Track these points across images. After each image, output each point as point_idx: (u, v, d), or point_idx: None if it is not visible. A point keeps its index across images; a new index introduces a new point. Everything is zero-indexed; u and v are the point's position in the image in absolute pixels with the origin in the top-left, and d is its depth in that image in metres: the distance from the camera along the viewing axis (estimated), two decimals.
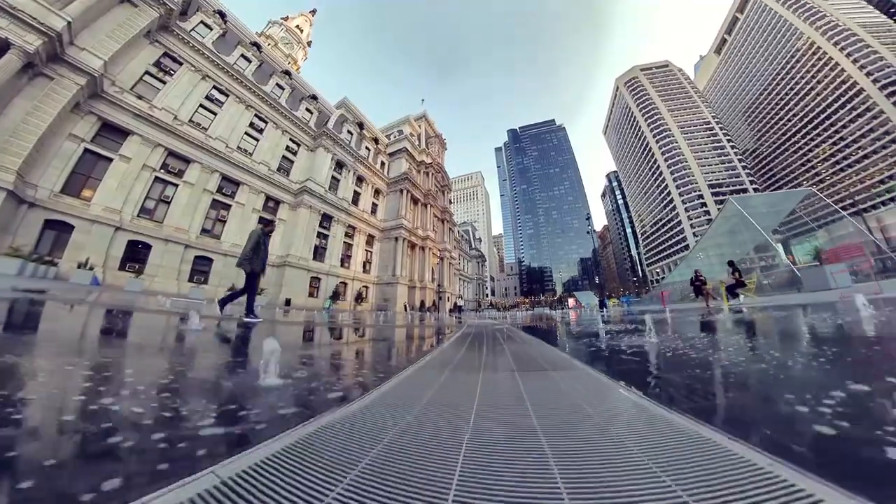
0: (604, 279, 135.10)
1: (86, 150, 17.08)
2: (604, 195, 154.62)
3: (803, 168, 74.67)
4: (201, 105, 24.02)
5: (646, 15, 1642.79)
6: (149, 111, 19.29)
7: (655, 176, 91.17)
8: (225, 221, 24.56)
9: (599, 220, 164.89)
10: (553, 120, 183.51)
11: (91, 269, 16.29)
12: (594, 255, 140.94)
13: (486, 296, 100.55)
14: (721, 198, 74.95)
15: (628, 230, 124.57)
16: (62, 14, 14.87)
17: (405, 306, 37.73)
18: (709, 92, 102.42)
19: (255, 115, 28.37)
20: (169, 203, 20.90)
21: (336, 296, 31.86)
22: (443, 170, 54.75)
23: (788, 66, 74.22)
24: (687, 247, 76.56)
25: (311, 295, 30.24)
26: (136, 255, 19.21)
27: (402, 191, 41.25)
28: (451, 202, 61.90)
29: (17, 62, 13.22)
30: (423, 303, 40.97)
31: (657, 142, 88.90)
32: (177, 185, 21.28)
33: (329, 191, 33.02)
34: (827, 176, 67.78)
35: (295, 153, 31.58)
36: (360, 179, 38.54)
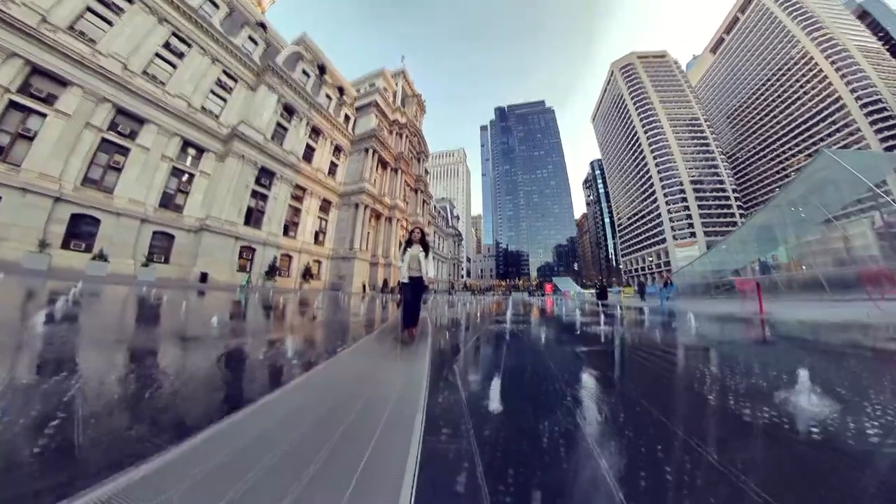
0: (581, 266, 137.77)
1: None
2: (586, 183, 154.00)
3: (777, 176, 78.01)
4: (88, 8, 17.37)
5: (643, 12, 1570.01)
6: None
7: (639, 167, 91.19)
8: (120, 170, 19.27)
9: (579, 207, 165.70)
10: (542, 101, 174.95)
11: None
12: (572, 243, 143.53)
13: (462, 276, 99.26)
14: (702, 195, 77.22)
15: (606, 220, 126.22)
16: None
17: (364, 286, 34.56)
18: (700, 90, 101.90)
19: (174, 34, 21.77)
20: (32, 138, 15.23)
21: (274, 271, 27.97)
22: (419, 134, 49.29)
23: (780, 72, 75.11)
24: (664, 240, 79.31)
25: (241, 269, 26.00)
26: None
27: (367, 150, 36.03)
28: (427, 172, 57.10)
29: None
30: (385, 282, 37.82)
31: (646, 132, 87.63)
32: (43, 115, 15.54)
33: (271, 140, 27.61)
34: None
35: (229, 90, 25.35)
36: (315, 132, 32.90)
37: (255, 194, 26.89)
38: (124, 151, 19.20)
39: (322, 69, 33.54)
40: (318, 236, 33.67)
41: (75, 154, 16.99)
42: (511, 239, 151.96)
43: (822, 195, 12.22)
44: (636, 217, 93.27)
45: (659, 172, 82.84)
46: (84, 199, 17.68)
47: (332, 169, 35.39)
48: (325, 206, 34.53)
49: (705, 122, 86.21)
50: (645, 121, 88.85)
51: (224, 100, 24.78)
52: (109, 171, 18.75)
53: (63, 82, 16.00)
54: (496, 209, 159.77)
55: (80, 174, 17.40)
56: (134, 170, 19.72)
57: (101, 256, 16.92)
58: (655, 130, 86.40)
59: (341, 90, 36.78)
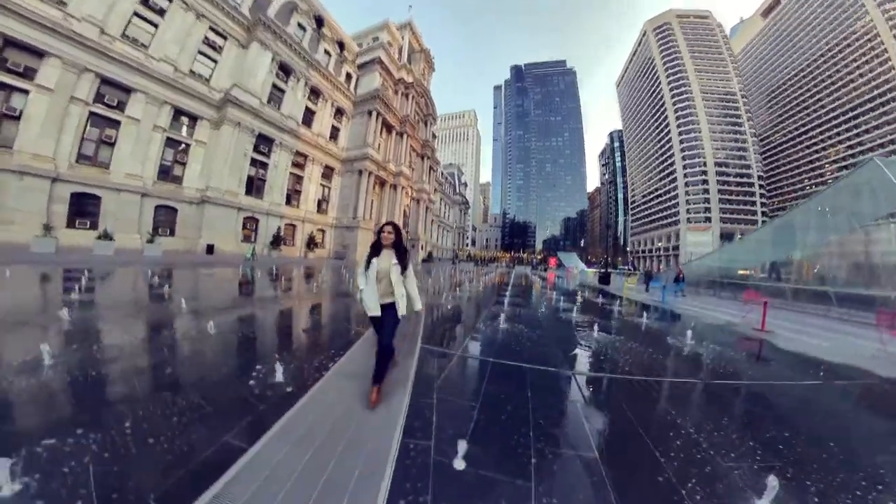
0: (588, 243, 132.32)
1: None
2: (602, 155, 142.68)
3: (809, 166, 71.83)
4: None
5: None
6: None
7: (662, 142, 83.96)
8: (113, 143, 18.67)
9: (593, 181, 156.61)
10: (563, 61, 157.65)
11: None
12: (581, 217, 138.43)
13: (466, 246, 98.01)
14: (725, 178, 71.77)
15: (620, 195, 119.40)
16: None
17: None
18: (741, 61, 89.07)
19: None
20: (19, 117, 14.62)
21: (278, 241, 28.21)
22: (427, 94, 45.93)
23: (836, 48, 65.02)
24: (676, 222, 75.74)
25: (246, 239, 26.35)
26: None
27: (371, 112, 33.99)
28: (434, 136, 54.29)
29: None
30: None
31: (674, 103, 79.06)
32: (26, 91, 14.70)
33: (268, 104, 26.08)
34: (830, 179, 64.49)
35: (219, 49, 23.35)
36: (315, 93, 30.87)
37: (254, 163, 26.19)
38: (115, 124, 18.46)
39: (320, 21, 30.33)
40: (322, 205, 33.33)
41: (65, 131, 16.43)
42: (519, 209, 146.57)
43: (856, 203, 11.33)
44: (651, 195, 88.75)
45: (682, 150, 76.48)
46: (81, 177, 17.53)
47: (334, 133, 33.80)
48: (328, 172, 33.62)
49: (742, 97, 77.04)
50: (675, 91, 79.90)
51: (214, 61, 22.96)
52: (102, 146, 18.25)
53: (39, 53, 14.85)
54: (506, 177, 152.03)
55: (73, 151, 17.01)
56: (127, 143, 19.13)
57: (107, 235, 17.18)
58: (685, 102, 78.00)
59: (341, 45, 33.64)
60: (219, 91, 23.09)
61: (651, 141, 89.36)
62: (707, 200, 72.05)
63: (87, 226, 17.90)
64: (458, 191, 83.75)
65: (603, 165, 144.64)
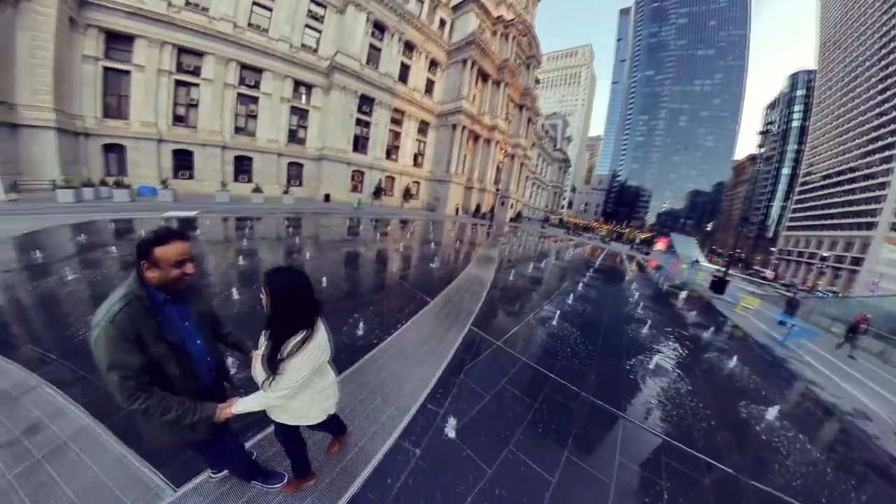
0: (717, 227, 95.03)
1: (104, 68, 18.29)
2: (772, 108, 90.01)
3: None
4: None
5: None
6: (138, 4, 18.22)
7: (889, 93, 47.60)
8: (256, 117, 25.22)
9: (744, 145, 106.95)
10: None
11: (164, 183, 19.18)
12: (717, 192, 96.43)
13: (561, 208, 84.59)
14: None
15: (785, 170, 78.02)
16: None
17: (457, 209, 35.98)
18: None
19: None
20: (196, 106, 22.15)
21: (379, 192, 32.32)
22: (530, 32, 39.20)
23: None
24: (870, 225, 46.02)
25: (353, 189, 31.44)
26: (184, 162, 22.62)
27: (466, 61, 32.39)
28: (537, 82, 46.78)
29: None
30: (478, 207, 38.08)
31: None
32: (197, 85, 21.84)
33: (367, 65, 28.56)
34: None
35: (321, 19, 26.61)
36: (409, 47, 31.42)
37: (358, 122, 29.96)
38: (255, 101, 24.71)
39: None
40: (417, 158, 35.44)
41: (225, 110, 23.39)
42: (633, 172, 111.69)
43: None
44: (839, 176, 55.37)
45: None
46: (239, 145, 24.68)
47: (429, 87, 34.15)
48: (423, 127, 34.93)
49: None
50: None
51: (318, 31, 26.58)
52: (249, 119, 24.97)
53: (199, 53, 21.18)
54: (622, 130, 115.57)
55: (232, 125, 24.10)
56: (264, 114, 25.43)
57: (258, 188, 24.16)
58: None
59: None
60: (326, 59, 26.86)
61: (866, 91, 52.76)
62: None
63: (246, 180, 25.45)
64: (559, 146, 71.78)
65: (768, 125, 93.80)
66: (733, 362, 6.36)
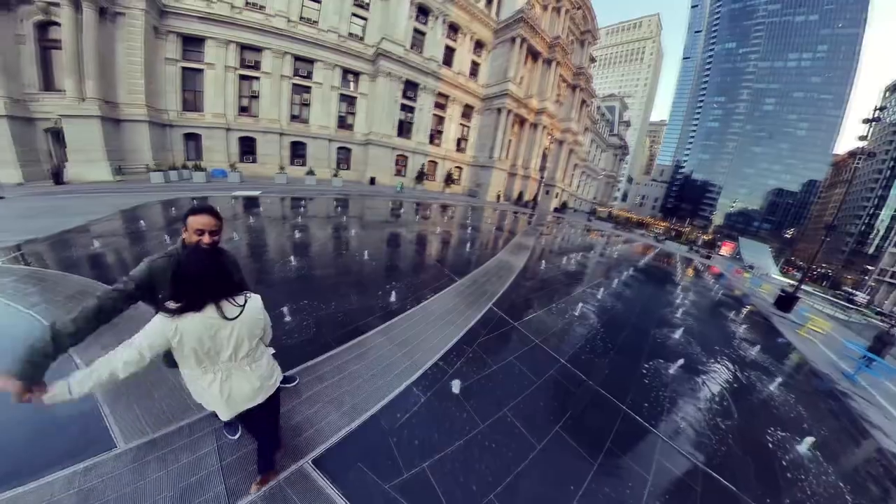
0: (799, 235, 77.46)
1: (182, 68, 20.83)
2: (892, 91, 66.10)
3: None
4: None
5: None
6: (207, 9, 20.21)
7: None
8: (309, 105, 26.88)
9: (848, 137, 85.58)
10: None
11: (232, 166, 22.12)
12: (807, 193, 76.91)
13: (614, 200, 76.93)
14: None
15: None
16: None
17: (498, 196, 35.40)
18: None
19: None
20: (258, 97, 24.25)
21: (422, 176, 32.92)
22: (586, 4, 36.25)
23: None
24: None
25: (397, 174, 32.38)
26: (248, 147, 25.12)
27: (514, 40, 31.07)
28: (592, 60, 43.11)
29: (93, 13, 16.00)
30: (521, 195, 36.92)
31: None
32: (258, 79, 23.81)
33: (411, 50, 28.76)
34: None
35: (366, 7, 27.16)
36: (453, 29, 30.86)
37: (403, 108, 30.51)
38: (307, 90, 26.29)
39: None
40: (460, 143, 35.25)
41: (282, 100, 25.27)
42: (701, 164, 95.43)
43: None
44: None
45: None
46: (294, 131, 26.61)
47: (474, 70, 33.41)
48: (467, 112, 34.49)
49: None
50: None
51: (364, 19, 27.20)
52: (303, 108, 26.70)
53: (259, 49, 23.00)
54: (692, 114, 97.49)
55: (288, 113, 26.00)
56: (317, 103, 26.99)
57: (311, 171, 26.10)
58: None
59: None
60: (372, 46, 27.55)
61: None
62: None
63: (300, 164, 27.46)
64: (615, 131, 65.14)
65: (877, 110, 66.00)
66: (777, 387, 5.55)
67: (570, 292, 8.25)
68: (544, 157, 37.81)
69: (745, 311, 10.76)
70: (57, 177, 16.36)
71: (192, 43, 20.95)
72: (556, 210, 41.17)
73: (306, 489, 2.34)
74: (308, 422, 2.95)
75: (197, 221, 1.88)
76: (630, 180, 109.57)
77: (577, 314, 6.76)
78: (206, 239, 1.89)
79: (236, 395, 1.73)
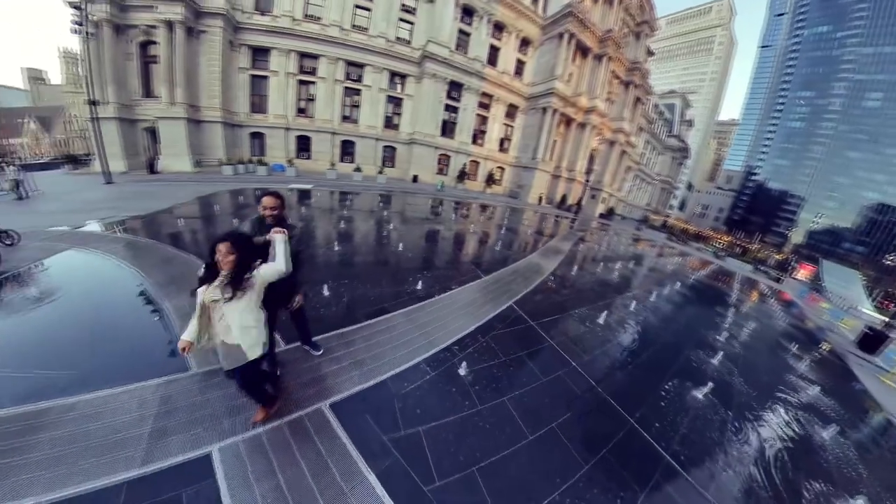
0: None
1: (251, 76, 23.53)
2: None
3: None
4: None
5: None
6: (272, 23, 22.50)
7: None
8: (359, 106, 28.53)
9: None
10: None
11: (290, 162, 24.91)
12: None
13: (670, 208, 68.74)
14: None
15: None
16: None
17: (540, 198, 34.41)
18: None
19: None
20: (314, 100, 26.36)
21: (463, 175, 33.29)
22: None
23: None
24: None
25: (439, 172, 33.02)
26: (304, 145, 27.39)
27: (562, 36, 30.15)
28: (650, 53, 40.05)
29: (182, 32, 18.75)
30: (564, 198, 35.49)
31: None
32: (314, 83, 25.85)
33: (456, 51, 29.18)
34: None
35: (413, 12, 28.10)
36: (498, 28, 30.72)
37: (447, 108, 31.10)
38: (357, 92, 27.94)
39: None
40: (503, 143, 35.01)
41: (335, 102, 27.13)
42: (779, 170, 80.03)
43: None
44: None
45: None
46: (344, 130, 28.41)
47: (519, 69, 32.97)
48: (511, 111, 34.14)
49: None
50: None
51: (411, 24, 28.23)
52: (353, 109, 28.42)
53: (315, 56, 25.06)
54: (770, 113, 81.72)
55: (339, 114, 27.86)
56: (366, 105, 28.58)
57: (358, 168, 27.78)
58: None
59: None
60: (418, 49, 28.50)
61: None
62: None
63: (349, 161, 29.22)
64: (674, 131, 59.03)
65: None
66: (835, 439, 4.59)
67: (600, 300, 7.85)
68: (592, 158, 36.13)
69: (814, 346, 9.23)
70: (151, 167, 19.57)
71: (259, 53, 23.58)
72: (601, 216, 39.10)
73: (320, 424, 2.90)
74: (333, 374, 3.54)
75: (263, 202, 2.79)
76: (690, 187, 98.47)
77: (600, 322, 6.48)
78: (266, 213, 2.80)
79: (233, 339, 2.41)
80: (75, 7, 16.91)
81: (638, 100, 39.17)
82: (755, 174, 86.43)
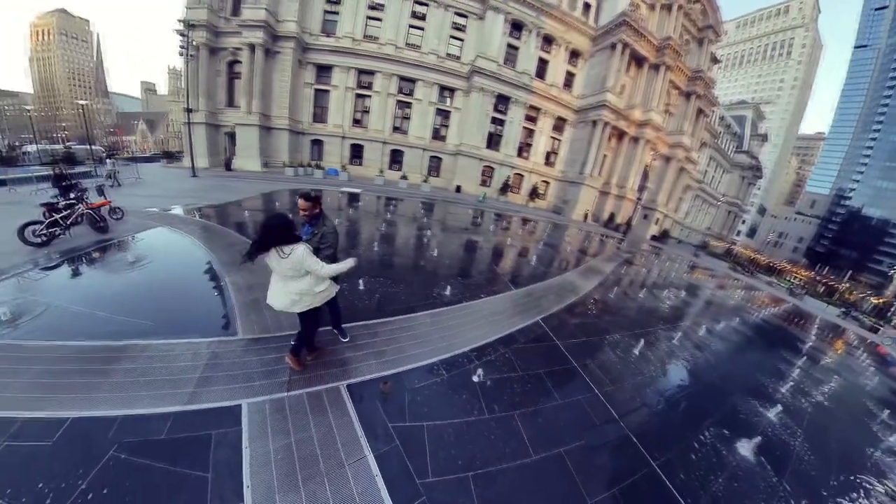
0: None
1: (315, 90, 26.30)
2: None
3: None
4: (367, 17, 27.02)
5: None
6: (336, 44, 25.01)
7: None
8: (409, 118, 29.99)
9: None
10: None
11: (343, 167, 27.32)
12: None
13: (737, 234, 60.43)
14: None
15: None
16: (262, 6, 22.07)
17: (586, 215, 32.73)
18: None
19: (414, 2, 27.82)
20: (368, 112, 28.37)
21: (506, 188, 33.15)
22: None
23: None
24: None
25: (482, 184, 33.19)
26: (356, 152, 29.37)
27: (614, 46, 29.16)
28: (715, 61, 37.07)
29: (262, 52, 21.65)
30: (612, 216, 33.37)
31: None
32: (370, 97, 27.82)
33: (504, 65, 29.58)
34: None
35: (463, 29, 29.19)
36: (547, 41, 30.59)
37: (494, 121, 31.51)
38: (408, 105, 29.47)
39: None
40: (550, 157, 34.39)
41: (387, 114, 28.84)
42: (879, 195, 65.95)
43: None
44: None
45: None
46: (394, 140, 29.95)
47: (568, 81, 32.40)
48: (559, 124, 33.52)
49: None
50: None
51: (461, 40, 29.38)
52: (404, 121, 29.96)
53: (371, 73, 27.18)
54: (867, 125, 67.86)
55: (391, 125, 29.49)
56: (416, 117, 29.97)
57: (405, 176, 29.05)
58: None
59: None
60: (467, 64, 29.41)
61: None
62: None
63: (397, 169, 30.60)
64: (744, 147, 52.85)
65: None
66: None
67: (638, 329, 7.15)
68: (645, 175, 33.84)
69: None
70: (227, 165, 22.93)
71: (323, 70, 26.43)
72: (653, 238, 36.06)
73: (335, 400, 3.23)
74: (355, 359, 3.90)
75: (300, 203, 3.26)
76: (762, 211, 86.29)
77: (635, 352, 5.93)
78: (301, 212, 3.26)
79: (273, 295, 3.03)
80: (182, 34, 20.62)
81: (700, 112, 36.36)
82: (847, 198, 73.12)
